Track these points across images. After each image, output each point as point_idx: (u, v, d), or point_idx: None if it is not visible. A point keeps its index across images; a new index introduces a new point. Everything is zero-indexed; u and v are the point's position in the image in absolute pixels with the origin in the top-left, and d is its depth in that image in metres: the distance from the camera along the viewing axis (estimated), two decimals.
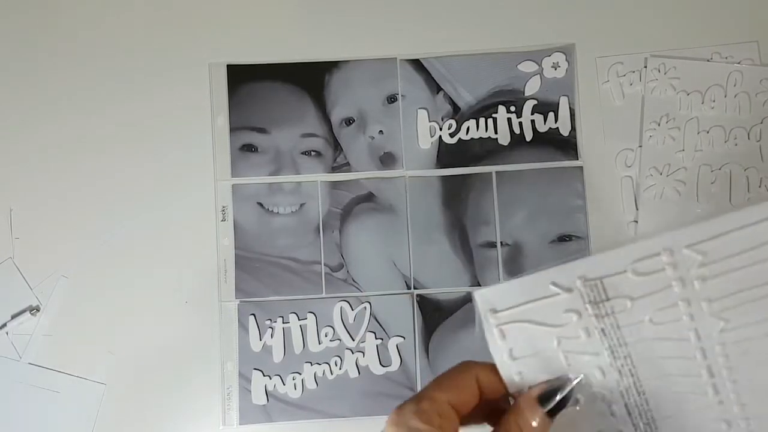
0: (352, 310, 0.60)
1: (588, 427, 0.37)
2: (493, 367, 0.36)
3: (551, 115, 0.62)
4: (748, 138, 0.60)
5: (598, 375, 0.36)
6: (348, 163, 0.62)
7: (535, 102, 0.62)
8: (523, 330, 0.36)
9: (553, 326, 0.36)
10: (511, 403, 0.36)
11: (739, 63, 0.61)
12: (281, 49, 0.63)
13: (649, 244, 0.35)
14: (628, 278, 0.35)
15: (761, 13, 0.62)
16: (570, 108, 0.62)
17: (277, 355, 0.59)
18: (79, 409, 0.59)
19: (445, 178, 0.61)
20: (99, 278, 0.60)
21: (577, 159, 0.61)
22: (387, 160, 0.62)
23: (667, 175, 0.60)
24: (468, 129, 0.62)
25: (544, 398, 0.35)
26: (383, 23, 0.63)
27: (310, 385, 0.59)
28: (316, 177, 0.61)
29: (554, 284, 0.35)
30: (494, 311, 0.36)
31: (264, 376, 0.59)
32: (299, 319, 0.60)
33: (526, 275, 0.36)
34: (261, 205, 0.61)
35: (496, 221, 0.60)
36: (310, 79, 0.62)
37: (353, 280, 0.60)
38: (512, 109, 0.62)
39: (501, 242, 0.60)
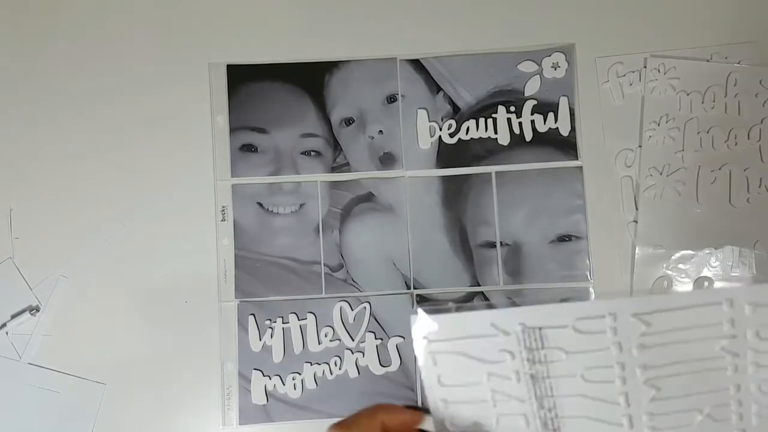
0: (352, 310, 0.60)
1: None
2: (402, 410, 0.36)
3: (551, 115, 0.62)
4: (748, 138, 0.60)
5: (522, 423, 0.36)
6: (348, 163, 0.62)
7: (535, 102, 0.62)
8: (456, 361, 0.36)
9: (486, 362, 0.36)
10: None
11: (739, 63, 0.61)
12: (281, 49, 0.63)
13: (596, 306, 0.36)
14: (568, 333, 0.36)
15: (761, 13, 0.62)
16: (570, 108, 0.62)
17: (277, 355, 0.60)
18: (79, 409, 0.59)
19: (445, 178, 0.61)
20: (99, 278, 0.60)
21: (577, 159, 0.61)
22: (387, 160, 0.62)
23: (667, 175, 0.60)
24: (468, 129, 0.62)
25: None
26: (383, 23, 0.63)
27: (310, 385, 0.59)
28: (316, 177, 0.61)
29: (494, 325, 0.36)
30: (429, 339, 0.36)
31: (264, 376, 0.59)
32: (299, 319, 0.60)
33: (467, 311, 0.37)
34: (261, 205, 0.61)
35: (496, 221, 0.60)
36: (310, 79, 0.62)
37: (353, 280, 0.60)
38: (512, 109, 0.62)
39: (501, 242, 0.60)
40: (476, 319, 0.36)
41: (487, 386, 0.36)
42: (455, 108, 0.62)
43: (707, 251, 0.60)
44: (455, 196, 0.61)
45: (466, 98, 0.62)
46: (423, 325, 0.36)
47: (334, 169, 0.62)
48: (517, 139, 0.62)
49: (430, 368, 0.37)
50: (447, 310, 0.37)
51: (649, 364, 0.36)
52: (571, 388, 0.36)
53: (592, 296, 0.59)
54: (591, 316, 0.35)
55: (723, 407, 0.36)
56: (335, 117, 0.62)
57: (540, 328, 0.36)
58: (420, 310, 0.36)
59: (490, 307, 0.35)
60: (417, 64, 0.62)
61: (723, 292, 0.35)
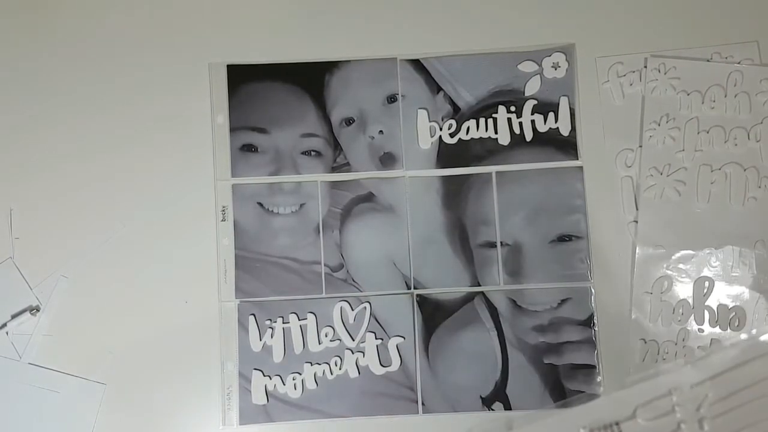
0: (352, 310, 0.60)
1: None
2: None
3: (551, 115, 0.62)
4: (748, 138, 0.60)
5: None
6: (348, 163, 0.62)
7: (535, 102, 0.62)
8: None
9: None
10: None
11: (739, 63, 0.61)
12: (281, 49, 0.63)
13: (656, 384, 0.32)
14: (637, 424, 0.33)
15: (761, 13, 0.62)
16: (570, 108, 0.62)
17: (277, 355, 0.60)
18: (79, 409, 0.59)
19: (445, 178, 0.61)
20: (99, 278, 0.60)
21: (577, 159, 0.61)
22: (387, 160, 0.62)
23: (667, 175, 0.60)
24: (468, 129, 0.62)
25: None
26: (383, 23, 0.63)
27: (310, 385, 0.59)
28: (316, 177, 0.61)
29: None
30: None
31: (264, 376, 0.59)
32: (299, 319, 0.60)
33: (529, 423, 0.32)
34: (261, 205, 0.61)
35: (496, 221, 0.60)
36: (310, 79, 0.62)
37: (353, 280, 0.60)
38: (512, 109, 0.62)
39: (501, 242, 0.60)
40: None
41: None
42: (455, 108, 0.62)
43: (707, 251, 0.60)
44: (455, 196, 0.61)
45: (466, 98, 0.62)
46: None
47: (334, 169, 0.62)
48: (517, 139, 0.62)
49: None
50: None
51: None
52: None
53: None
54: (654, 398, 0.33)
55: None
56: (335, 117, 0.62)
57: (617, 423, 0.32)
58: None
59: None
60: (417, 64, 0.62)
61: None
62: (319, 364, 0.59)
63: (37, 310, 0.60)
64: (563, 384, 0.58)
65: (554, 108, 0.62)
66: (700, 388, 0.32)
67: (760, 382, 0.33)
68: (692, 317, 0.59)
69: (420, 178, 0.61)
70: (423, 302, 0.60)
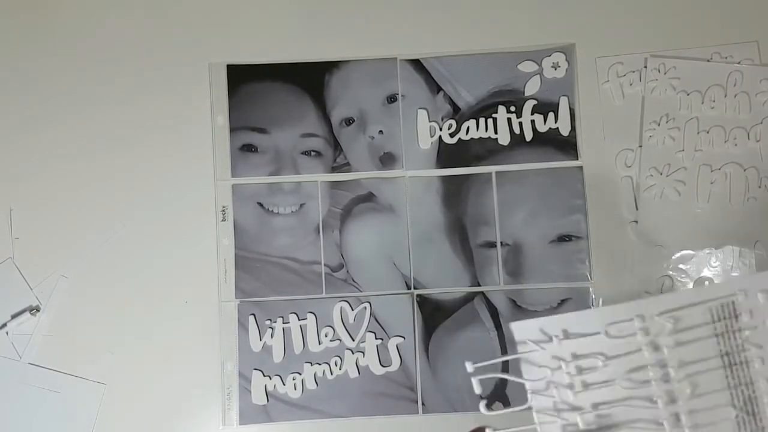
0: (352, 310, 0.60)
1: None
2: None
3: (551, 115, 0.62)
4: (748, 138, 0.60)
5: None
6: (348, 163, 0.62)
7: (535, 102, 0.62)
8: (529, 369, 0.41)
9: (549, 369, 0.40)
10: None
11: (739, 63, 0.61)
12: (281, 49, 0.63)
13: (622, 309, 0.38)
14: (602, 339, 0.38)
15: (761, 13, 0.62)
16: (570, 108, 0.62)
17: (277, 355, 0.60)
18: (79, 409, 0.59)
19: (445, 178, 0.61)
20: (99, 278, 0.60)
21: (577, 159, 0.61)
22: (387, 160, 0.62)
23: (667, 175, 0.60)
24: (468, 129, 0.62)
25: None
26: (383, 23, 0.63)
27: (310, 385, 0.59)
28: (316, 177, 0.61)
29: (542, 331, 0.40)
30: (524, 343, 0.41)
31: (264, 376, 0.59)
32: (299, 319, 0.60)
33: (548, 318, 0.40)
34: (261, 205, 0.61)
35: (496, 221, 0.60)
36: (310, 79, 0.62)
37: (353, 280, 0.60)
38: (512, 109, 0.62)
39: (501, 242, 0.60)
40: (542, 324, 0.40)
41: (553, 394, 0.40)
42: (455, 108, 0.62)
43: (707, 251, 0.60)
44: (455, 196, 0.61)
45: (466, 98, 0.62)
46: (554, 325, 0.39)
47: (334, 169, 0.62)
48: (517, 139, 0.62)
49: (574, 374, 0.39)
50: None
51: (683, 361, 0.38)
52: (613, 395, 0.38)
53: (592, 296, 0.60)
54: (620, 320, 0.38)
55: (756, 400, 0.38)
56: (335, 117, 0.62)
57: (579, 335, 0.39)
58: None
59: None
60: (417, 64, 0.62)
61: (736, 283, 0.37)
62: (319, 364, 0.59)
63: (37, 310, 0.60)
64: None
65: (554, 108, 0.62)
66: (661, 318, 0.37)
67: (713, 322, 0.37)
68: None
69: (420, 178, 0.61)
70: (423, 302, 0.60)
